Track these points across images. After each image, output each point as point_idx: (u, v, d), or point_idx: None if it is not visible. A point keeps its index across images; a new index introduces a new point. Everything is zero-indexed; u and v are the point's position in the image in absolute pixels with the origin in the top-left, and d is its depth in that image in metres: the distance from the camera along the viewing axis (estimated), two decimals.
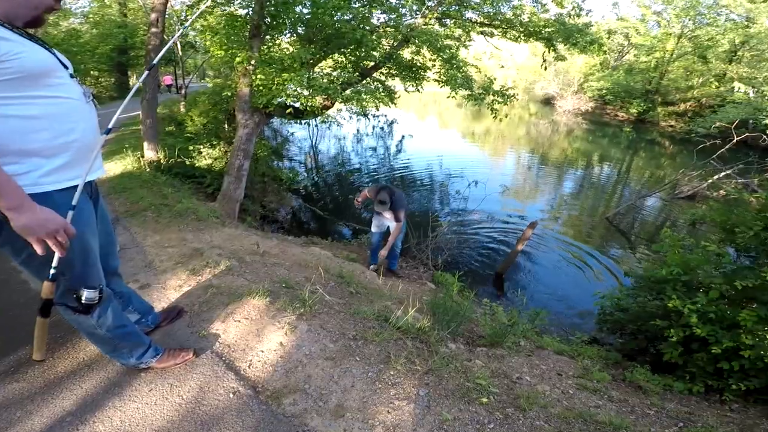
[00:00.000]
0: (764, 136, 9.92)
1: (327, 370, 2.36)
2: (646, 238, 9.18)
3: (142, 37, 20.76)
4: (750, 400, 2.87)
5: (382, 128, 20.89)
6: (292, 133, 18.85)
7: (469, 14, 9.33)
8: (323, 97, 7.65)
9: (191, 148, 9.48)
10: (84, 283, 1.74)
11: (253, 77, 7.21)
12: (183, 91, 15.67)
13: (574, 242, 8.57)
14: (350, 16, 7.84)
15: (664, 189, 11.66)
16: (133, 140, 9.65)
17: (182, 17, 11.80)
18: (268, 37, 7.90)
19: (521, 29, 9.05)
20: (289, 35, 8.87)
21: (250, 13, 7.36)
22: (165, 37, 6.76)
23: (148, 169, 7.48)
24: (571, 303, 6.31)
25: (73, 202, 1.54)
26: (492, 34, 9.64)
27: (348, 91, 7.77)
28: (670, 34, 31.84)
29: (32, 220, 1.36)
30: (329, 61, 9.58)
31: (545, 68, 11.92)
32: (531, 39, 9.27)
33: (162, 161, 7.92)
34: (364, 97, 7.72)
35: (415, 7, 8.57)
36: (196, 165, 8.98)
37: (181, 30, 2.09)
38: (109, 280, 2.07)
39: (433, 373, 2.49)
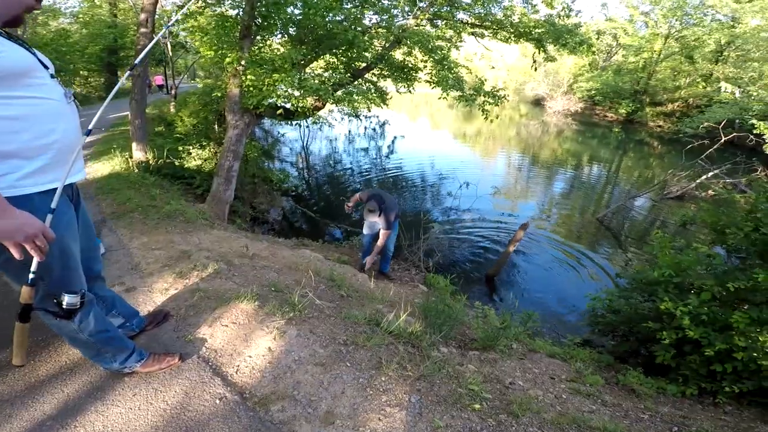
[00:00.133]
0: (751, 136, 10.02)
1: (317, 376, 2.32)
2: (636, 238, 9.25)
3: (132, 38, 20.54)
4: (744, 403, 2.87)
5: (374, 129, 20.87)
6: (283, 134, 18.77)
7: (461, 15, 9.37)
8: (314, 98, 7.60)
9: (181, 148, 9.39)
10: (64, 287, 1.71)
11: (243, 78, 7.15)
12: (173, 92, 15.54)
13: (565, 242, 8.61)
14: (342, 16, 7.81)
15: (654, 189, 11.75)
16: (121, 141, 9.56)
17: (181, 14, 11.71)
18: (258, 37, 7.84)
19: (512, 30, 9.09)
20: (280, 36, 8.82)
21: (241, 13, 7.30)
22: (155, 36, 6.69)
23: (136, 170, 7.41)
24: (563, 304, 6.33)
25: (53, 205, 1.49)
26: (483, 35, 9.67)
27: (339, 92, 7.74)
28: (658, 34, 32.17)
29: (9, 224, 1.31)
30: (321, 62, 9.54)
31: (535, 69, 11.96)
32: (521, 40, 9.31)
33: (151, 162, 7.83)
34: (356, 98, 7.69)
35: (406, 8, 8.57)
36: (186, 166, 8.89)
37: (162, 31, 2.05)
38: (91, 284, 2.05)
39: (425, 378, 2.46)
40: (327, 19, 7.39)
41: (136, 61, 1.86)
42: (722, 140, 10.51)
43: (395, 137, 19.83)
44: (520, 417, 2.27)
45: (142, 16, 6.97)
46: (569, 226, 9.92)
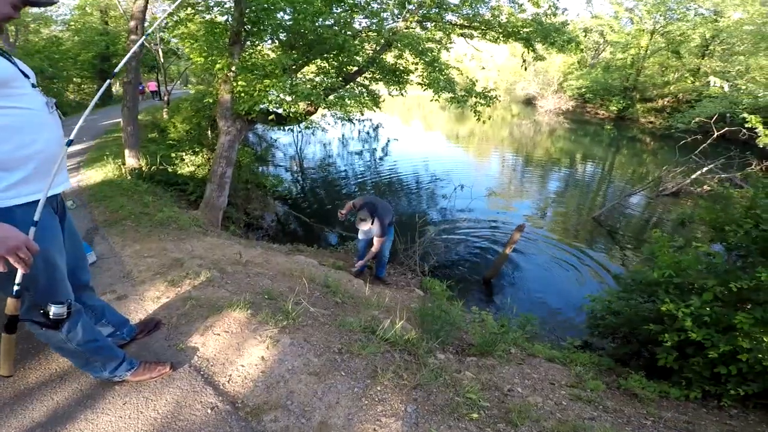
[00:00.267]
0: (743, 130, 10.04)
1: (310, 386, 2.29)
2: (632, 236, 9.26)
3: (123, 45, 20.50)
4: (749, 405, 2.83)
5: (367, 133, 20.85)
6: (277, 139, 18.73)
7: (449, 17, 9.39)
8: (306, 103, 7.59)
9: (173, 155, 9.37)
10: (50, 298, 1.71)
11: (235, 84, 7.12)
12: (166, 98, 15.49)
13: (561, 242, 8.59)
14: (332, 21, 7.80)
15: (649, 186, 11.75)
16: (114, 147, 9.52)
17: (163, 24, 11.66)
18: (248, 43, 7.82)
19: (500, 30, 9.12)
20: (270, 41, 8.80)
21: (230, 20, 7.28)
22: (146, 44, 6.69)
23: (129, 177, 7.39)
24: (561, 304, 6.30)
25: (35, 218, 1.47)
26: (472, 36, 9.70)
27: (331, 97, 7.72)
28: (643, 30, 32.42)
29: None
30: (312, 67, 9.54)
31: (525, 68, 12.03)
32: (510, 39, 9.34)
33: (144, 169, 7.81)
34: (348, 102, 7.69)
35: (396, 11, 8.58)
36: (179, 172, 8.86)
37: (139, 42, 2.03)
38: (80, 294, 2.05)
39: (422, 387, 2.42)
40: (317, 24, 7.38)
41: (115, 71, 1.84)
42: (715, 135, 10.50)
43: (389, 140, 19.83)
44: (519, 426, 2.24)
45: (132, 23, 6.99)
46: (565, 226, 9.92)
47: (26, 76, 1.53)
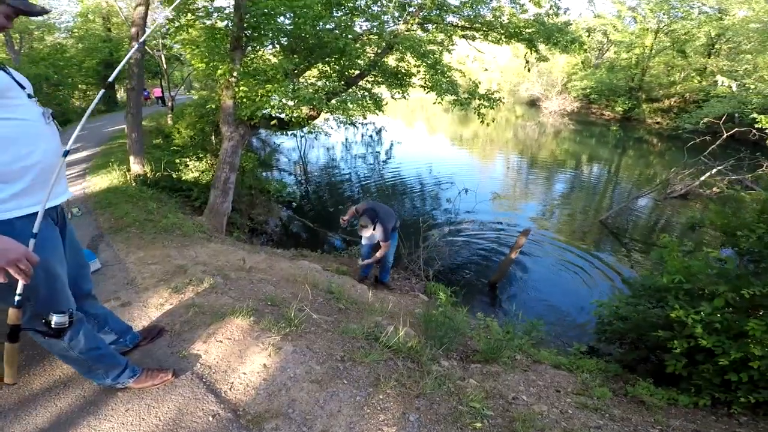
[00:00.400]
0: (753, 131, 9.89)
1: (312, 394, 2.27)
2: (640, 239, 9.15)
3: (126, 51, 20.68)
4: (760, 413, 2.76)
5: (370, 136, 20.88)
6: (280, 144, 18.79)
7: (450, 18, 9.37)
8: (309, 107, 7.59)
9: (178, 161, 9.42)
10: (51, 308, 1.72)
11: (237, 89, 7.14)
12: (170, 104, 15.58)
13: (568, 246, 8.50)
14: (332, 25, 7.80)
15: (656, 189, 11.60)
16: (119, 154, 9.59)
17: (164, 30, 11.74)
18: (249, 48, 7.84)
19: (502, 31, 9.10)
20: (271, 46, 8.82)
21: (230, 25, 7.30)
22: (147, 50, 6.74)
23: (134, 184, 7.43)
24: (567, 309, 6.23)
25: (34, 230, 1.48)
26: (474, 38, 9.67)
27: (334, 101, 7.72)
28: (647, 29, 32.15)
29: None
30: (314, 71, 9.54)
31: (528, 69, 11.98)
32: (512, 40, 9.31)
33: (148, 175, 7.86)
34: (350, 106, 7.67)
35: (396, 14, 8.57)
36: (183, 178, 8.90)
37: (134, 49, 2.03)
38: (82, 302, 2.08)
39: (425, 396, 2.39)
40: (317, 28, 7.38)
41: (110, 79, 1.85)
42: (724, 135, 10.31)
43: (392, 143, 19.83)
44: None
45: (133, 30, 7.06)
46: (572, 229, 9.83)
47: (22, 86, 1.53)
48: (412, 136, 26.08)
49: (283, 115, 7.65)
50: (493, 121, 9.36)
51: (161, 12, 6.48)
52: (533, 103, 44.26)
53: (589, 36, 36.74)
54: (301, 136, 16.43)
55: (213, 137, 11.29)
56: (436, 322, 3.36)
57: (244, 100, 7.16)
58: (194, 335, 2.72)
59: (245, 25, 7.03)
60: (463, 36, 9.64)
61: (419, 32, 9.23)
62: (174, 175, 8.67)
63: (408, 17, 8.62)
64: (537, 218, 10.39)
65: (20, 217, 1.49)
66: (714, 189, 10.68)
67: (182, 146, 10.99)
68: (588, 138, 26.75)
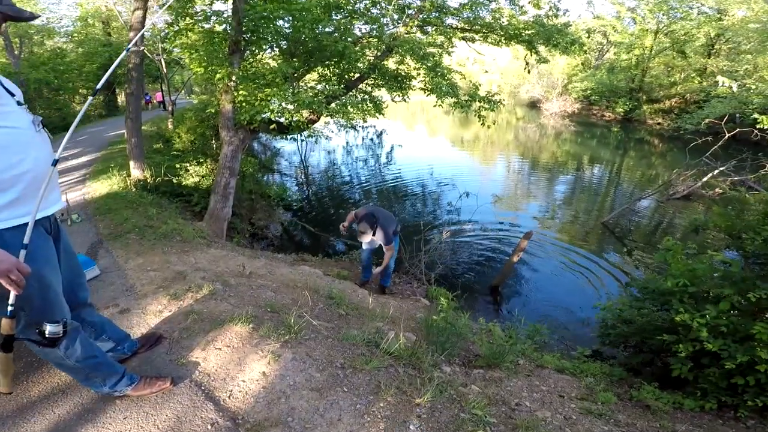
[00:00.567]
0: (755, 131, 9.85)
1: (312, 402, 2.24)
2: (643, 241, 9.10)
3: (126, 56, 20.67)
4: (767, 417, 2.74)
5: (371, 139, 20.86)
6: (281, 148, 18.78)
7: (450, 20, 9.36)
8: (308, 111, 7.57)
9: (178, 165, 9.38)
10: (45, 317, 1.71)
11: (236, 93, 7.12)
12: (170, 108, 15.57)
13: (570, 248, 8.45)
14: (332, 28, 7.79)
15: (659, 190, 11.56)
16: (120, 159, 9.57)
17: (163, 34, 11.75)
18: (248, 52, 7.82)
19: (501, 33, 9.09)
20: (270, 50, 8.81)
21: (228, 29, 7.29)
22: (147, 54, 6.74)
23: (134, 189, 7.40)
24: (571, 312, 6.18)
25: (25, 241, 1.46)
26: (473, 40, 9.67)
27: (333, 105, 7.70)
28: (647, 30, 32.15)
29: None
30: (314, 75, 9.53)
31: (528, 71, 11.95)
32: (512, 42, 9.30)
33: (148, 180, 7.82)
34: (350, 109, 7.65)
35: (395, 16, 8.56)
36: (183, 183, 8.87)
37: (122, 55, 2.01)
38: (79, 311, 2.08)
39: (426, 403, 2.35)
40: (317, 31, 7.37)
41: (98, 86, 1.83)
42: (726, 136, 10.28)
43: (393, 146, 19.81)
44: None
45: (131, 34, 7.04)
46: (573, 231, 9.78)
47: (11, 93, 1.50)
48: (413, 138, 26.05)
49: (282, 119, 7.64)
50: (493, 123, 9.34)
51: (160, 16, 6.46)
52: (534, 105, 44.23)
53: (588, 37, 36.76)
54: (302, 140, 16.41)
55: (213, 142, 11.28)
56: (438, 328, 3.32)
57: (244, 104, 7.13)
58: (193, 342, 2.69)
59: (243, 28, 7.02)
60: (463, 38, 9.63)
61: (419, 35, 9.24)
62: (174, 180, 8.64)
63: (407, 20, 8.62)
64: (539, 220, 10.35)
65: (10, 228, 1.47)
66: (716, 190, 10.64)
67: (183, 151, 10.96)
68: (589, 139, 26.70)
